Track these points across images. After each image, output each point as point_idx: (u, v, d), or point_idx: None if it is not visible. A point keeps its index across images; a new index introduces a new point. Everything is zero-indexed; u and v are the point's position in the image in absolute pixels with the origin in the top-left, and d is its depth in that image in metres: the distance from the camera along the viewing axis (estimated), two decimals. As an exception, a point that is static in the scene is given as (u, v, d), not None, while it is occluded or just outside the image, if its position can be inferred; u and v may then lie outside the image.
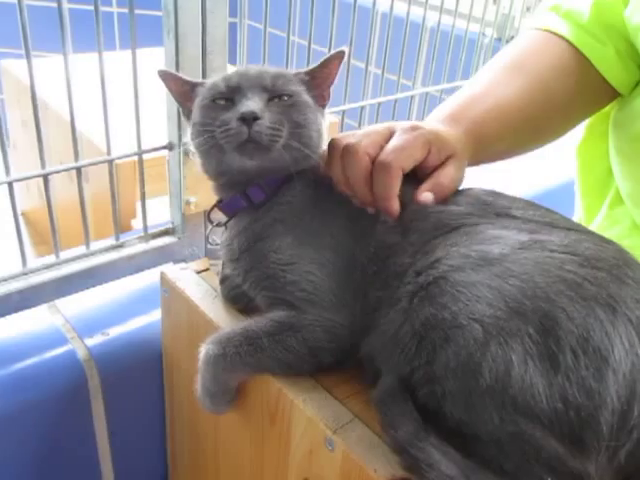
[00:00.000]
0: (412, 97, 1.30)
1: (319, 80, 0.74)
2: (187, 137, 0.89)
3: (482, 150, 0.78)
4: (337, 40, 1.08)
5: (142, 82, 0.89)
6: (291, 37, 1.03)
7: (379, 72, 1.20)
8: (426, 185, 0.68)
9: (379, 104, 1.22)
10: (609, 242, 0.63)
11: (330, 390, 0.68)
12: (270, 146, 0.67)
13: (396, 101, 1.26)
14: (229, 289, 0.79)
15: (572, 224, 0.66)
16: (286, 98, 0.70)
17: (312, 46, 1.06)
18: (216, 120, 0.68)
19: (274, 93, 0.69)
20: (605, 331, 0.53)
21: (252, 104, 0.67)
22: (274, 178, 0.72)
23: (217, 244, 0.81)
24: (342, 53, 0.72)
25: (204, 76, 0.92)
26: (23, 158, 1.91)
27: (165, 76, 0.75)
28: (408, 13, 1.19)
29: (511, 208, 0.66)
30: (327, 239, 0.69)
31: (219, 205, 0.76)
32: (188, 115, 0.75)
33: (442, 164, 0.71)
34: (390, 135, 0.70)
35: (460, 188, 0.71)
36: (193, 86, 0.75)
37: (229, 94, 0.69)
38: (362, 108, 1.19)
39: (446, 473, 0.54)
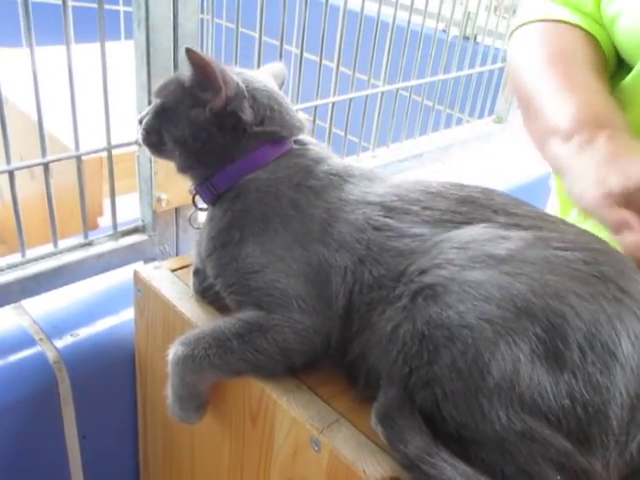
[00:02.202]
0: (382, 94, 1.29)
1: (199, 82, 0.70)
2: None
3: None
4: (308, 40, 1.08)
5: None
6: (247, 32, 1.00)
7: (343, 70, 1.19)
8: None
9: (350, 99, 1.21)
10: (601, 239, 0.63)
11: (314, 390, 0.67)
12: (151, 147, 0.75)
13: (367, 97, 1.25)
14: (200, 282, 0.78)
15: (565, 221, 0.66)
16: (158, 102, 0.74)
17: (284, 46, 1.04)
18: None
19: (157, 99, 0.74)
20: (612, 326, 0.53)
21: (142, 112, 0.76)
22: (222, 176, 0.72)
23: (199, 228, 0.80)
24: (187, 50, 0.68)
25: (175, 68, 0.90)
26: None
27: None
28: (379, 12, 1.19)
29: (507, 204, 0.65)
30: (296, 251, 0.67)
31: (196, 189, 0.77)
32: None
33: None
34: None
35: (453, 185, 0.70)
36: None
37: None
38: (317, 106, 1.16)
39: None
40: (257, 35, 1.00)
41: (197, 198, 0.77)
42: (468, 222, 0.64)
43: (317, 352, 0.67)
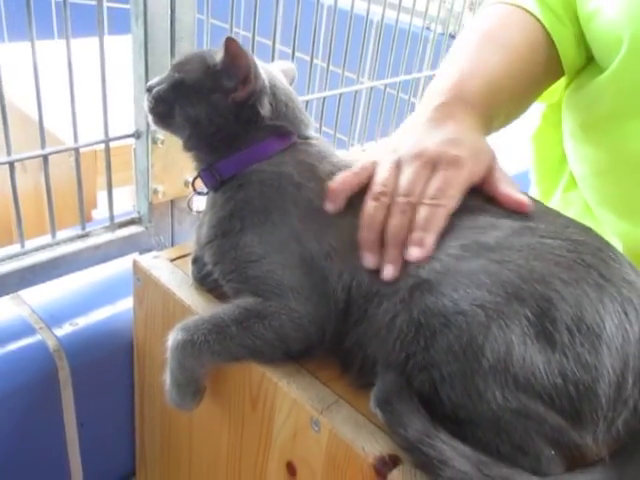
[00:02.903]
0: (357, 91, 1.31)
1: (227, 69, 0.72)
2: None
3: (487, 129, 0.78)
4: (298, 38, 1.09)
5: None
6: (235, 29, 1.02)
7: (332, 69, 1.21)
8: (511, 195, 0.67)
9: (324, 98, 1.22)
10: (588, 228, 0.66)
11: (314, 373, 0.69)
12: (157, 116, 0.76)
13: (341, 95, 1.26)
14: (199, 270, 0.80)
15: (553, 212, 0.69)
16: (177, 76, 0.74)
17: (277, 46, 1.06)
18: None
19: (171, 71, 0.76)
20: (596, 309, 0.56)
21: (154, 80, 0.77)
22: (224, 167, 0.74)
23: (199, 212, 0.81)
24: (228, 39, 0.70)
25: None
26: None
27: None
28: (352, 6, 1.20)
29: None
30: (293, 245, 0.69)
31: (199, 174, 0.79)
32: None
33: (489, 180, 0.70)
34: (432, 171, 0.68)
35: None
36: None
37: None
38: (307, 102, 1.18)
39: (460, 469, 0.55)
40: (250, 35, 1.02)
41: (197, 182, 0.79)
42: (460, 212, 0.67)
43: (312, 340, 0.69)
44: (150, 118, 0.77)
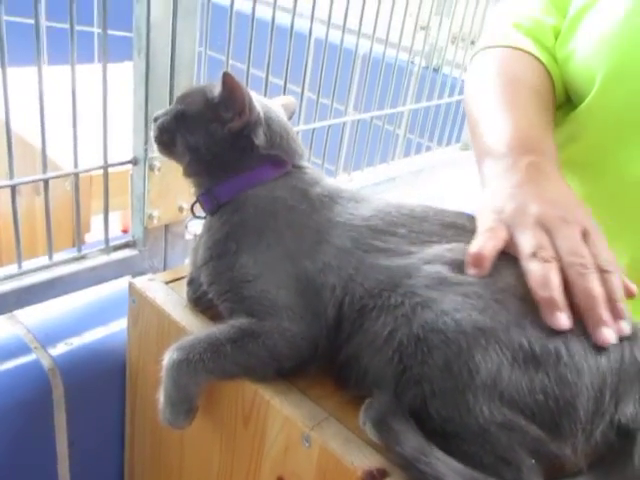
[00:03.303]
0: (344, 122, 1.36)
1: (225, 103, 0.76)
2: (154, 152, 0.93)
3: None
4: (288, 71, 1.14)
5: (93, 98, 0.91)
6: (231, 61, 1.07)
7: (314, 97, 1.26)
8: None
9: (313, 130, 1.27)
10: None
11: (304, 391, 0.72)
12: (161, 145, 0.81)
13: (330, 126, 1.31)
14: (194, 291, 0.83)
15: None
16: (179, 107, 0.79)
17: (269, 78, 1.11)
18: None
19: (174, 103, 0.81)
20: (581, 335, 0.62)
21: (160, 111, 0.82)
22: (225, 187, 0.78)
23: (195, 235, 0.85)
24: (225, 74, 0.74)
25: (171, 94, 0.95)
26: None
27: None
28: (342, 41, 1.25)
29: None
30: (287, 266, 0.73)
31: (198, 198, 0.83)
32: None
33: None
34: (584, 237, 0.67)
35: (434, 210, 0.76)
36: None
37: None
38: (297, 133, 1.21)
39: None
40: (245, 68, 1.07)
41: (196, 207, 0.82)
42: (461, 239, 0.71)
43: (304, 357, 0.72)
44: (155, 146, 0.82)
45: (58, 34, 0.81)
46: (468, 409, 0.60)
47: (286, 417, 0.69)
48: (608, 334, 0.61)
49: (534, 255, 0.64)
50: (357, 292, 0.69)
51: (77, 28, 0.85)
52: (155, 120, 0.81)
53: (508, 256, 0.67)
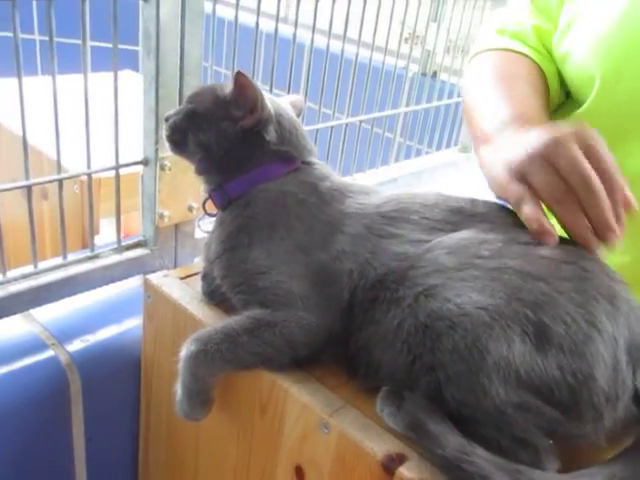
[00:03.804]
0: (346, 126, 1.38)
1: (235, 100, 0.79)
2: (165, 152, 0.95)
3: None
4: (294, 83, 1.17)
5: (102, 103, 0.94)
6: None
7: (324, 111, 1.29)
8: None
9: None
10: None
11: (321, 380, 0.74)
12: (173, 143, 0.83)
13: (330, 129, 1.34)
14: (208, 285, 0.85)
15: None
16: (190, 107, 0.81)
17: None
18: None
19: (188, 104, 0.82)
20: (587, 300, 0.63)
21: (171, 110, 0.84)
22: (232, 188, 0.80)
23: (207, 232, 0.86)
24: (238, 73, 0.76)
25: (181, 94, 0.98)
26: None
27: None
28: (342, 50, 1.28)
29: (488, 213, 0.74)
30: (300, 256, 0.75)
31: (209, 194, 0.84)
32: None
33: None
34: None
35: (445, 197, 0.78)
36: None
37: None
38: None
39: None
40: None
41: (207, 204, 0.84)
42: (457, 229, 0.73)
43: (320, 344, 0.73)
44: (167, 145, 0.83)
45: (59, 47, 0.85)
46: (484, 391, 0.61)
47: (304, 405, 0.71)
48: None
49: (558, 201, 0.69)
50: (370, 277, 0.71)
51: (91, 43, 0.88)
52: (166, 120, 0.83)
53: (498, 237, 0.69)
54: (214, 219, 0.85)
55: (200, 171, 0.84)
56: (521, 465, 0.60)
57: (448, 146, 1.73)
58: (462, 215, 0.74)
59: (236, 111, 0.78)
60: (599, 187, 0.67)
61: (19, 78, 0.83)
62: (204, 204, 0.86)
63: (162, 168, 0.99)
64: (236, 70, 0.76)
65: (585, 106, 0.91)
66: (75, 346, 0.91)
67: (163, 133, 0.83)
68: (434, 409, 0.64)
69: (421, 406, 0.64)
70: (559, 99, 0.98)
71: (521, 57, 0.95)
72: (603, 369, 0.61)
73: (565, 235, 0.71)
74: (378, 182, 1.45)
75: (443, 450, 0.60)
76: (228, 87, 0.79)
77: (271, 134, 0.79)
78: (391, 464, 0.64)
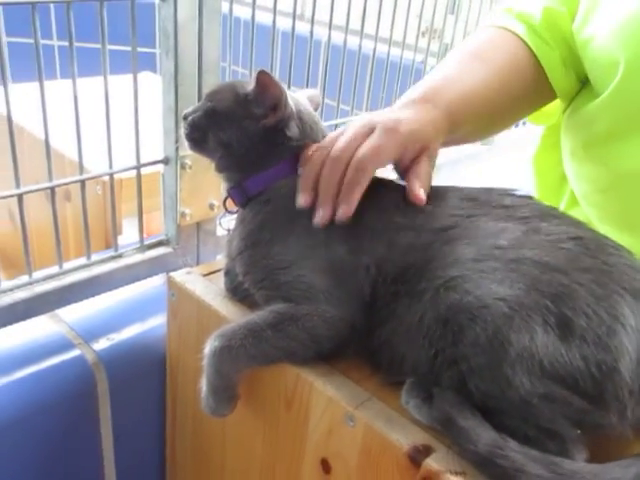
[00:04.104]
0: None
1: (257, 99, 0.78)
2: (185, 151, 0.95)
3: (451, 133, 0.84)
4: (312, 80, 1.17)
5: (121, 105, 0.94)
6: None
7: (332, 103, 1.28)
8: (415, 184, 0.75)
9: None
10: (582, 223, 0.73)
11: (345, 374, 0.74)
12: (192, 142, 0.82)
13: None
14: (231, 281, 0.85)
15: (553, 211, 0.75)
16: (209, 105, 0.81)
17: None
18: None
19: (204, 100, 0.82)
20: (609, 292, 0.62)
21: (189, 108, 0.83)
22: (251, 185, 0.80)
23: (229, 229, 0.87)
24: (261, 71, 0.76)
25: (200, 92, 0.98)
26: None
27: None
28: (360, 46, 1.28)
29: (503, 200, 0.74)
30: (321, 250, 0.75)
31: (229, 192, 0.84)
32: None
33: (417, 158, 0.78)
34: (370, 133, 0.76)
35: (457, 189, 0.78)
36: None
37: None
38: None
39: (536, 473, 0.57)
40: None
41: (228, 202, 0.85)
42: (473, 218, 0.72)
43: (343, 338, 0.73)
44: (186, 144, 0.83)
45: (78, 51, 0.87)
46: (508, 383, 0.61)
47: (329, 398, 0.71)
48: (317, 216, 0.75)
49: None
50: (390, 271, 0.71)
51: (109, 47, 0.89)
52: (185, 118, 0.83)
53: (518, 227, 0.69)
54: (235, 216, 0.85)
55: (220, 169, 0.84)
56: (556, 457, 0.59)
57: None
58: (477, 203, 0.74)
59: (258, 109, 0.78)
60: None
61: (40, 82, 0.84)
62: (224, 202, 0.86)
63: (183, 167, 1.00)
64: (259, 69, 0.76)
65: (607, 93, 0.89)
66: (101, 345, 0.92)
67: (182, 131, 0.83)
68: (463, 403, 0.63)
69: (450, 401, 0.64)
70: (571, 87, 0.96)
71: (512, 41, 0.92)
72: (628, 362, 0.60)
73: (597, 229, 0.71)
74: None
75: (475, 446, 0.60)
76: (249, 85, 0.78)
77: (293, 130, 0.79)
78: (417, 456, 0.64)
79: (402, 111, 0.80)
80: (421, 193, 0.74)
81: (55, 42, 2.31)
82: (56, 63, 2.31)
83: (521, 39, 0.92)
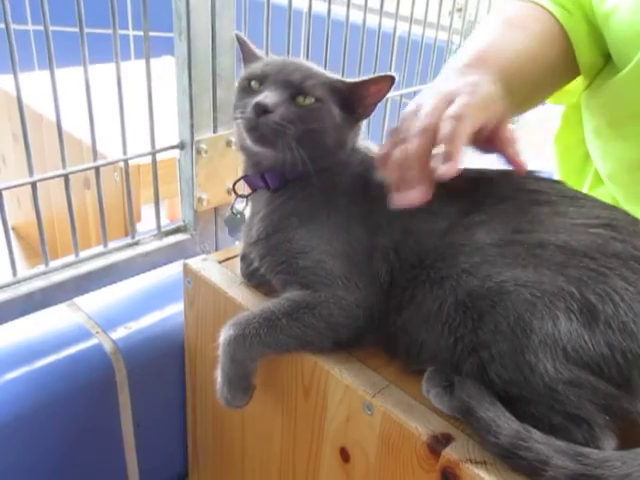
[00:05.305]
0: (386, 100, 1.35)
1: (358, 95, 0.73)
2: (200, 135, 0.93)
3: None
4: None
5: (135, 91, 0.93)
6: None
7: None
8: (517, 154, 0.69)
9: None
10: (613, 206, 0.69)
11: (363, 361, 0.72)
12: (273, 140, 0.70)
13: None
14: (247, 266, 0.83)
15: (577, 194, 0.71)
16: (312, 100, 0.71)
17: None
18: (241, 100, 0.72)
19: (298, 91, 0.70)
20: (635, 279, 0.59)
21: (269, 98, 0.69)
22: (293, 171, 0.74)
23: (240, 213, 0.84)
24: (390, 78, 0.71)
25: (214, 75, 0.96)
26: (13, 172, 1.91)
27: (241, 40, 0.78)
28: (380, 24, 1.25)
29: (526, 183, 0.71)
30: (342, 235, 0.72)
31: (244, 178, 0.80)
32: None
33: (499, 125, 0.70)
34: (451, 100, 0.68)
35: (476, 172, 0.74)
36: (256, 58, 0.77)
37: (261, 79, 0.72)
38: None
39: (561, 465, 0.55)
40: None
41: (238, 186, 0.82)
42: (494, 201, 0.69)
43: (360, 326, 0.71)
44: (251, 139, 0.71)
45: (92, 38, 0.85)
46: (531, 369, 0.58)
47: (347, 386, 0.69)
48: (412, 196, 0.65)
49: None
50: (409, 257, 0.69)
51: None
52: (266, 111, 0.68)
53: (541, 210, 0.66)
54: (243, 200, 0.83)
55: (293, 161, 0.72)
56: (583, 447, 0.57)
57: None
58: (499, 186, 0.71)
59: (352, 103, 0.74)
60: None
61: (51, 68, 0.83)
62: (234, 186, 0.83)
63: (198, 151, 0.98)
64: (387, 73, 0.72)
65: (630, 67, 0.86)
66: (119, 334, 0.91)
67: (263, 129, 0.69)
68: (483, 393, 0.61)
69: (470, 392, 0.62)
70: (594, 62, 0.92)
71: (541, 12, 0.89)
72: None
73: (628, 209, 0.67)
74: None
75: (497, 438, 0.58)
76: (344, 79, 0.74)
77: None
78: (437, 445, 0.62)
79: (466, 77, 0.73)
80: (524, 161, 0.69)
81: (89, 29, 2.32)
82: (84, 50, 2.33)
83: (548, 11, 0.89)
